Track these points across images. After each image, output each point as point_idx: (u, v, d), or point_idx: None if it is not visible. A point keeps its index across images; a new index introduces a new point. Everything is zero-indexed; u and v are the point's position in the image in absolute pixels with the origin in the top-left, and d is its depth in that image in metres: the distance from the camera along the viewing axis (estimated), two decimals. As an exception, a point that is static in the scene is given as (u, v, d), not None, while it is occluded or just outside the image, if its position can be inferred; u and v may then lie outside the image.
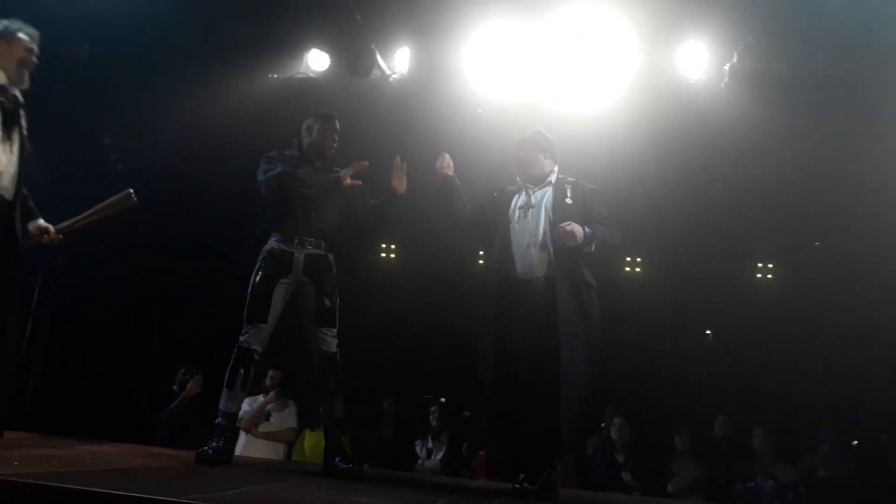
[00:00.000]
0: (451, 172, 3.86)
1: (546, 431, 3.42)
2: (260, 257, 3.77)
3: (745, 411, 6.53)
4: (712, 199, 7.06)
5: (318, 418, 6.26)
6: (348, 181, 3.70)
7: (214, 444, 3.53)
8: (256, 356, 3.66)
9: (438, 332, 7.30)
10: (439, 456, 6.49)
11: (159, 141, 6.50)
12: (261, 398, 6.11)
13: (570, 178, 3.82)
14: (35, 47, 3.37)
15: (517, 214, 3.72)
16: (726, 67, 6.14)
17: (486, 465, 6.20)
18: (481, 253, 5.61)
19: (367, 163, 3.69)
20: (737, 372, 7.06)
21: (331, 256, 3.84)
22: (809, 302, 7.03)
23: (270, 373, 6.12)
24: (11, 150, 3.27)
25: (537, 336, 3.49)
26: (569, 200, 3.66)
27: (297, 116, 4.08)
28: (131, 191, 3.87)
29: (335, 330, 3.78)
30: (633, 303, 7.60)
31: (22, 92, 3.37)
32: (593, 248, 3.57)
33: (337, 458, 3.64)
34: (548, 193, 3.73)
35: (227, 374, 3.64)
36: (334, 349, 3.75)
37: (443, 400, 7.18)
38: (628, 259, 8.30)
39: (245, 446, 5.91)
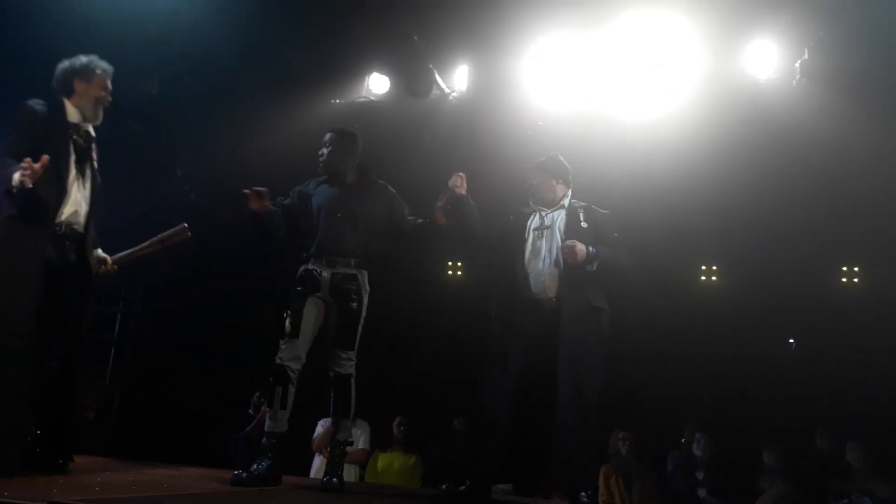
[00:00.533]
0: (463, 192, 3.84)
1: (540, 449, 3.62)
2: (297, 278, 3.83)
3: (837, 424, 6.19)
4: (789, 203, 6.78)
5: (390, 439, 6.31)
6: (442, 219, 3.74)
7: (256, 466, 3.56)
8: (291, 373, 3.67)
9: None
10: (511, 476, 6.40)
11: (229, 170, 6.68)
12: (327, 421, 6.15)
13: (582, 203, 3.93)
14: (109, 84, 3.47)
15: (532, 236, 3.82)
16: (797, 65, 5.90)
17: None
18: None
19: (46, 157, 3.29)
20: (824, 382, 6.70)
21: (361, 275, 3.84)
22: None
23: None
24: (84, 186, 3.38)
25: (544, 354, 3.59)
26: (584, 224, 3.79)
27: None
28: (185, 225, 3.99)
29: (353, 352, 3.79)
30: (709, 312, 7.37)
31: (94, 127, 3.48)
32: (595, 267, 3.65)
33: (325, 478, 3.72)
34: (561, 216, 3.84)
35: (267, 395, 3.73)
36: (348, 371, 3.77)
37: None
38: (703, 268, 8.04)
39: (318, 468, 5.94)
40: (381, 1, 6.06)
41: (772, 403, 6.82)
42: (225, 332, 7.01)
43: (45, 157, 3.06)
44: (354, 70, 6.90)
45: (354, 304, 3.79)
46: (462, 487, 3.68)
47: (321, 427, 6.04)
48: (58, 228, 3.25)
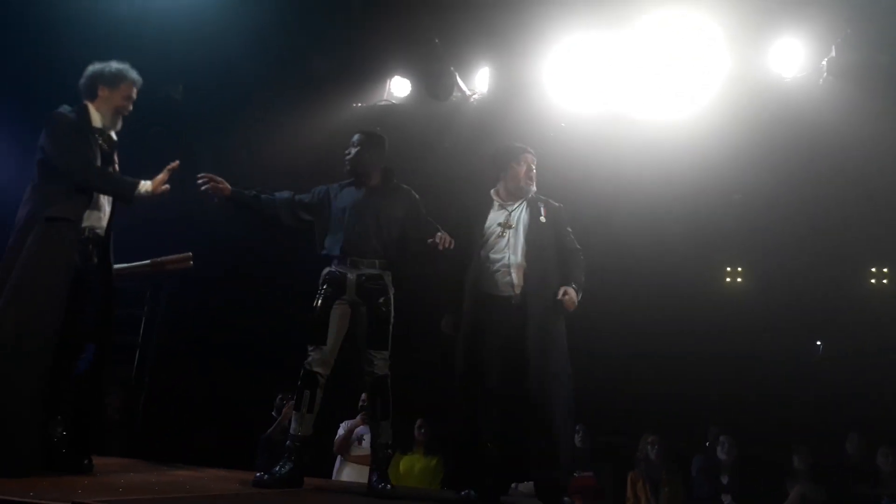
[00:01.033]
0: (443, 248, 3.75)
1: (513, 447, 3.49)
2: (321, 280, 3.82)
3: (867, 428, 6.08)
4: (816, 203, 6.69)
5: (410, 441, 6.30)
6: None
7: (278, 468, 3.58)
8: (321, 378, 3.68)
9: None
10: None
11: (251, 174, 6.72)
12: (348, 423, 6.16)
13: (542, 196, 3.90)
14: (134, 94, 3.50)
15: (496, 232, 3.79)
16: (824, 63, 5.81)
17: (582, 489, 6.04)
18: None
19: (177, 162, 3.47)
20: (853, 385, 6.58)
21: (387, 276, 3.83)
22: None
23: (363, 395, 6.17)
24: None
25: (512, 350, 3.59)
26: (542, 219, 3.80)
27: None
28: (191, 254, 4.03)
29: (386, 353, 3.77)
30: (735, 314, 7.29)
31: (116, 133, 3.52)
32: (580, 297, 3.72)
33: (375, 477, 3.69)
34: (523, 209, 3.83)
35: (295, 398, 3.71)
36: (384, 371, 3.75)
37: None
38: (728, 269, 7.96)
39: (338, 470, 5.96)
40: (402, 4, 6.08)
41: (799, 406, 6.73)
42: (249, 333, 7.06)
43: (176, 163, 3.32)
44: (376, 73, 6.92)
45: (383, 305, 3.78)
46: (464, 492, 3.63)
47: (343, 429, 6.05)
48: (82, 233, 3.30)
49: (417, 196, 4.00)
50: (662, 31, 5.95)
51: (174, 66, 5.87)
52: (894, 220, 6.59)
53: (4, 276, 3.13)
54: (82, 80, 3.44)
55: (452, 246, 3.70)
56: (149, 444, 5.92)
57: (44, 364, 3.07)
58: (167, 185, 3.37)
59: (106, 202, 3.42)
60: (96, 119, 3.41)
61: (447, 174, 6.44)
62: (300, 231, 4.01)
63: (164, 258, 4.07)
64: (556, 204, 3.93)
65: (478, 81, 6.76)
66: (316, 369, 3.68)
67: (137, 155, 3.68)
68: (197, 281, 6.26)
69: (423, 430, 6.27)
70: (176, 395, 6.89)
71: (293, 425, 3.70)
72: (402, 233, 3.89)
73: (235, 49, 5.95)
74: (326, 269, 3.82)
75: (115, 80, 3.43)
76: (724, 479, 5.72)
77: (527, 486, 4.23)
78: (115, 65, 3.46)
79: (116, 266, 3.71)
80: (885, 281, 7.43)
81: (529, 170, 3.88)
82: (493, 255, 3.76)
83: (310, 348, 3.72)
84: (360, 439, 6.21)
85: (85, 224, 3.30)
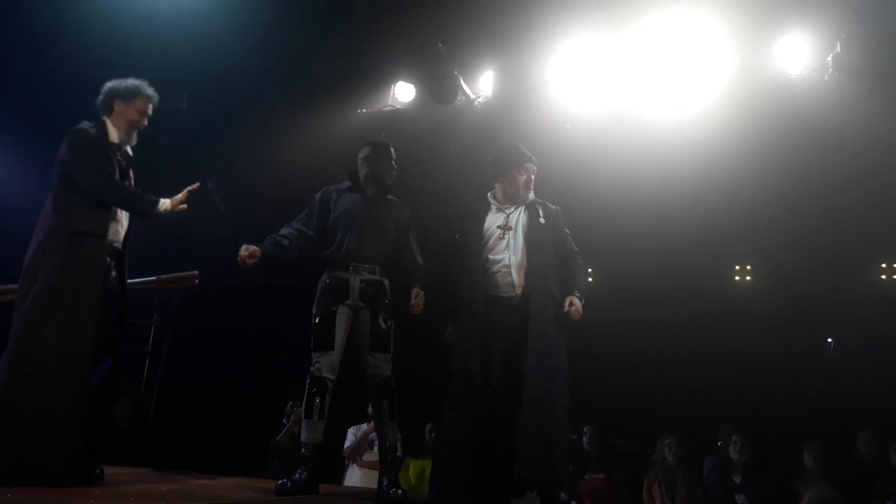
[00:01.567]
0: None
1: (512, 447, 3.47)
2: (319, 287, 3.84)
3: (880, 424, 6.03)
4: (824, 200, 6.66)
5: (421, 446, 6.30)
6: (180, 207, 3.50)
7: (297, 475, 3.59)
8: (329, 384, 3.69)
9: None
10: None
11: (258, 181, 6.76)
12: (365, 427, 6.17)
13: (539, 200, 3.94)
14: (150, 110, 3.55)
15: (495, 234, 3.83)
16: (829, 59, 5.78)
17: (591, 490, 6.03)
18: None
19: (198, 184, 3.53)
20: (864, 382, 6.54)
21: (386, 282, 3.88)
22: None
23: (373, 400, 6.18)
24: None
25: (512, 350, 3.61)
26: (542, 220, 3.84)
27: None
28: (196, 272, 4.05)
29: (389, 355, 3.80)
30: (744, 312, 7.27)
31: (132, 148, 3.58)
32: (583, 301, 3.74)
33: (385, 482, 3.68)
34: (522, 212, 3.87)
35: (303, 406, 3.71)
36: (388, 374, 3.78)
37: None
38: (737, 268, 7.94)
39: (350, 476, 5.97)
40: (406, 9, 6.08)
41: (810, 404, 6.70)
42: (258, 341, 7.08)
43: (196, 185, 3.40)
44: (380, 79, 6.94)
45: (386, 309, 3.83)
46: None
47: (352, 435, 6.06)
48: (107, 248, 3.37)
49: (409, 211, 4.07)
50: (666, 31, 5.94)
51: (178, 76, 5.90)
52: (902, 215, 6.56)
53: (27, 289, 3.19)
54: (100, 97, 3.50)
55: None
56: (159, 453, 5.93)
57: (84, 376, 3.18)
58: (185, 205, 3.42)
59: (124, 217, 3.48)
60: (113, 135, 3.47)
61: (453, 178, 6.45)
62: None
63: (169, 276, 4.08)
64: (553, 206, 3.97)
65: (482, 85, 6.77)
66: (325, 375, 3.69)
67: (145, 166, 3.70)
68: (206, 290, 6.28)
69: (433, 434, 6.27)
70: (186, 404, 6.91)
71: (305, 433, 3.70)
72: (398, 243, 3.95)
73: (239, 57, 5.97)
74: (326, 275, 3.83)
75: (130, 94, 3.48)
76: (737, 479, 5.68)
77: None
78: (131, 80, 3.52)
79: (135, 282, 3.80)
80: (894, 276, 7.38)
81: (529, 180, 3.90)
82: (492, 257, 3.79)
83: (316, 354, 3.72)
84: (372, 444, 6.23)
85: (108, 239, 3.37)
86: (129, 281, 3.76)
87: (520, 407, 3.48)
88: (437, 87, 6.43)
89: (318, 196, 3.97)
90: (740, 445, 5.82)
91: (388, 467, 3.73)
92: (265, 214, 6.78)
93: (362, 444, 6.15)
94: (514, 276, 3.73)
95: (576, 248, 3.93)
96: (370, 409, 6.19)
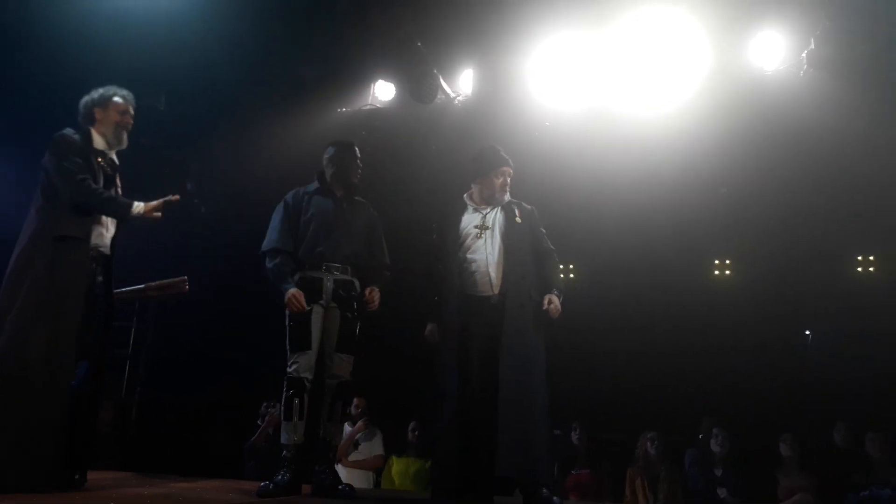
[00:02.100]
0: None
1: (489, 444, 3.48)
2: (296, 283, 3.81)
3: (856, 415, 6.12)
4: (801, 194, 6.74)
5: (404, 444, 6.32)
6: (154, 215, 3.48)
7: (279, 477, 3.60)
8: (307, 384, 3.71)
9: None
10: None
11: (238, 182, 6.72)
12: (347, 427, 6.17)
13: (514, 200, 3.98)
14: (130, 109, 3.61)
15: (472, 234, 3.86)
16: (804, 55, 5.84)
17: (578, 485, 6.07)
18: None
19: (177, 197, 3.52)
20: (843, 372, 6.64)
21: (357, 282, 3.91)
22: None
23: (355, 401, 6.18)
24: None
25: (490, 349, 3.62)
26: (518, 220, 3.88)
27: (366, 147, 4.16)
28: (186, 278, 4.05)
29: (352, 357, 3.84)
30: (725, 307, 7.34)
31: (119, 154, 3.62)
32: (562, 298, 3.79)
33: (330, 478, 3.76)
34: (498, 212, 3.91)
35: (282, 408, 3.71)
36: (347, 377, 3.83)
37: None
38: (717, 262, 8.01)
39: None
40: (385, 8, 6.07)
41: (791, 395, 6.78)
42: (238, 343, 7.04)
43: (176, 197, 3.40)
44: (360, 78, 6.92)
45: (356, 310, 3.87)
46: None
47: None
48: (89, 251, 3.37)
49: (376, 212, 4.10)
50: (644, 28, 5.98)
51: (156, 76, 5.85)
52: (878, 208, 6.66)
53: (12, 294, 3.20)
54: (80, 112, 3.57)
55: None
56: (141, 457, 5.89)
57: (67, 381, 3.21)
58: (160, 214, 3.42)
59: (110, 222, 3.50)
60: (98, 142, 3.53)
61: (434, 177, 6.45)
62: None
63: (158, 283, 4.07)
64: (529, 206, 4.01)
65: (462, 83, 6.77)
66: (303, 375, 3.69)
67: (124, 168, 3.69)
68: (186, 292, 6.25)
69: (416, 433, 6.29)
70: (167, 407, 6.87)
71: (285, 435, 3.69)
72: (367, 243, 3.98)
73: (218, 56, 5.92)
74: (299, 275, 3.82)
75: (105, 99, 3.56)
76: (718, 472, 5.74)
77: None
78: (101, 89, 3.59)
79: (120, 291, 3.81)
80: (871, 269, 7.49)
81: (505, 183, 3.94)
82: (470, 256, 3.82)
83: (293, 354, 3.72)
84: (356, 444, 6.25)
85: (92, 243, 3.39)
86: (119, 290, 3.78)
87: (498, 406, 3.49)
88: (417, 85, 6.42)
89: (288, 200, 3.96)
90: (721, 438, 5.88)
91: (329, 462, 3.81)
92: (246, 215, 6.79)
93: (347, 445, 6.16)
94: (492, 275, 3.76)
95: (552, 247, 3.98)
96: (352, 409, 6.24)
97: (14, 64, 5.67)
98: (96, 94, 3.57)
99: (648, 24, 5.97)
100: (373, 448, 6.26)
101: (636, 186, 6.60)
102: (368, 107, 7.05)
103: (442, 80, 6.60)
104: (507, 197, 3.95)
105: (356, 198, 4.05)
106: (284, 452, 3.68)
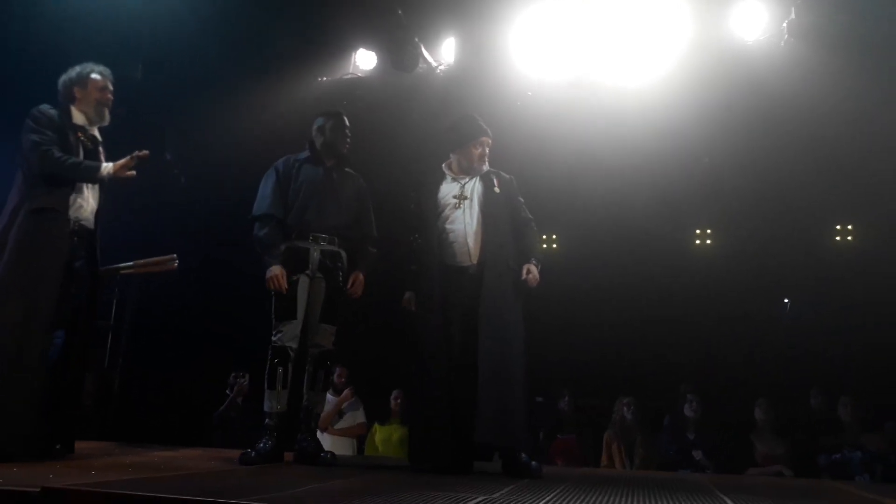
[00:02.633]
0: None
1: (469, 411, 3.50)
2: (282, 253, 3.82)
3: (830, 380, 6.25)
4: (781, 163, 6.77)
5: (387, 413, 6.40)
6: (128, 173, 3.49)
7: (262, 445, 3.64)
8: (291, 353, 3.74)
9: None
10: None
11: (217, 153, 6.67)
12: (330, 396, 6.21)
13: (493, 169, 3.97)
14: (109, 84, 3.63)
15: (451, 203, 3.85)
16: (784, 25, 5.86)
17: (563, 451, 6.16)
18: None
19: (147, 152, 3.51)
20: (819, 339, 6.75)
21: (343, 254, 3.94)
22: (892, 260, 6.63)
23: (337, 370, 6.22)
24: (93, 186, 3.52)
25: (469, 319, 3.63)
26: (496, 190, 3.87)
27: (348, 116, 4.13)
28: (175, 256, 4.05)
29: (335, 328, 3.89)
30: (706, 276, 7.40)
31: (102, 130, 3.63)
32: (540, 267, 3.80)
33: (312, 445, 3.82)
34: (476, 182, 3.89)
35: (266, 376, 3.74)
36: (330, 346, 3.88)
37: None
38: (698, 231, 8.07)
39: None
40: (364, -25, 6.00)
41: (769, 362, 6.89)
42: (219, 314, 7.04)
43: (145, 152, 3.41)
44: (340, 47, 6.86)
45: (341, 281, 3.91)
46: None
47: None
48: (69, 224, 3.39)
49: (365, 183, 4.12)
50: (625, -2, 5.96)
51: (132, 45, 5.77)
52: (856, 178, 6.72)
53: None
54: (59, 91, 3.59)
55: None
56: (124, 427, 5.92)
57: (43, 352, 3.25)
58: (133, 172, 3.44)
59: (92, 197, 3.50)
60: (78, 118, 3.55)
61: (416, 147, 6.43)
62: None
63: (147, 260, 4.06)
64: (507, 176, 4.00)
65: (444, 52, 6.73)
66: (287, 344, 3.73)
67: (103, 137, 3.68)
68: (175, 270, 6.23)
69: (399, 401, 6.36)
70: (150, 377, 6.88)
71: (269, 403, 3.72)
72: (355, 215, 4.00)
73: (195, 24, 5.85)
74: (286, 245, 3.83)
75: (83, 77, 3.58)
76: (691, 436, 5.85)
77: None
78: (77, 67, 3.61)
79: (105, 268, 3.80)
80: (849, 238, 7.57)
81: (483, 153, 3.92)
82: (448, 227, 3.82)
83: (278, 324, 3.74)
84: (341, 413, 6.32)
85: (72, 216, 3.40)
86: (107, 268, 3.79)
87: (478, 374, 3.53)
88: (398, 54, 6.39)
89: (279, 167, 3.95)
90: (695, 404, 5.97)
91: (311, 433, 3.87)
92: (226, 185, 6.75)
93: (332, 414, 6.23)
94: (470, 245, 3.77)
95: (530, 216, 3.98)
96: (335, 378, 6.28)
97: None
98: (73, 72, 3.58)
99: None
100: (356, 416, 6.35)
101: (618, 156, 6.61)
102: (349, 76, 7.01)
103: (423, 49, 6.57)
104: (486, 167, 3.94)
105: (346, 169, 4.05)
106: (267, 420, 3.72)
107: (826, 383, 6.18)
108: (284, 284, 3.71)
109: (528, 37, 6.37)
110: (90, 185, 3.48)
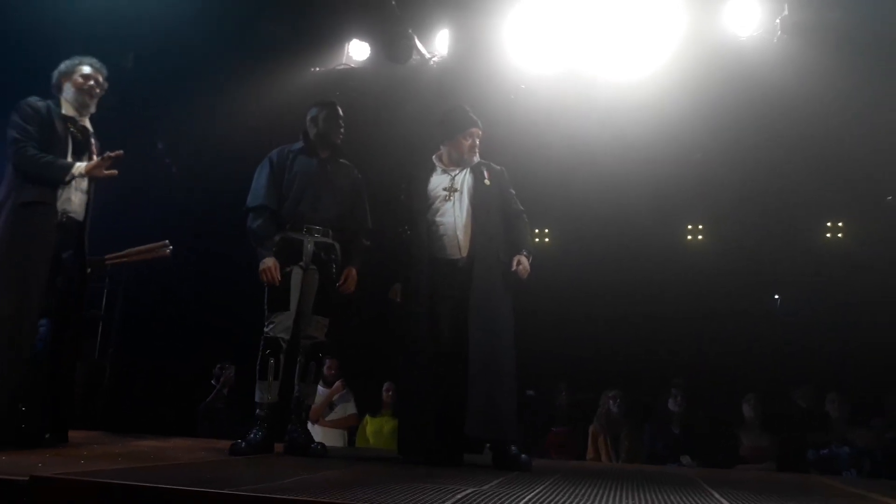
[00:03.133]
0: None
1: (459, 404, 3.52)
2: (276, 244, 3.81)
3: (819, 376, 6.29)
4: (773, 160, 6.80)
5: (379, 404, 6.41)
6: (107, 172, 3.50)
7: (252, 435, 3.64)
8: (283, 344, 3.74)
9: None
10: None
11: (209, 142, 6.64)
12: (321, 388, 6.21)
13: (483, 161, 3.95)
14: (98, 75, 3.64)
15: (441, 196, 3.83)
16: (778, 21, 5.87)
17: (557, 444, 6.19)
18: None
19: (121, 152, 3.52)
20: (808, 336, 6.79)
21: (337, 246, 3.94)
22: (882, 258, 6.68)
23: (328, 362, 6.22)
24: (82, 178, 3.50)
25: (459, 312, 3.63)
26: (487, 182, 3.86)
27: (341, 107, 4.11)
28: (167, 242, 4.03)
29: (328, 320, 3.90)
30: (697, 271, 7.42)
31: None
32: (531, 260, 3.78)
33: (303, 437, 3.83)
34: (467, 174, 3.87)
35: (258, 367, 3.74)
36: (322, 338, 3.89)
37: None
38: (689, 227, 8.09)
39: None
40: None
41: (760, 358, 6.92)
42: (211, 305, 7.02)
43: (120, 152, 3.42)
44: (334, 37, 6.83)
45: (335, 273, 3.91)
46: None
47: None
48: (57, 216, 3.41)
49: (360, 175, 4.11)
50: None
51: (123, 35, 5.73)
52: (848, 175, 6.74)
53: None
54: (52, 82, 3.62)
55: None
56: (115, 417, 5.90)
57: (30, 343, 3.27)
58: (113, 171, 3.46)
59: (81, 188, 3.50)
60: (68, 109, 3.57)
61: (408, 138, 6.42)
62: None
63: (139, 248, 4.05)
64: (498, 167, 3.99)
65: (437, 44, 6.71)
66: (280, 335, 3.73)
67: (94, 126, 3.67)
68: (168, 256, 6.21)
69: (390, 393, 6.36)
70: (141, 367, 6.87)
71: (260, 394, 3.73)
72: (350, 206, 3.99)
73: (186, 13, 5.80)
74: (279, 235, 3.82)
75: (71, 68, 3.61)
76: (676, 430, 5.89)
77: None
78: (67, 60, 3.64)
79: (93, 258, 3.82)
80: (839, 235, 7.61)
81: (474, 144, 3.91)
82: (438, 219, 3.81)
83: (271, 315, 3.74)
84: (332, 405, 6.33)
85: (60, 208, 3.41)
86: (99, 257, 3.78)
87: (467, 366, 3.53)
88: (392, 45, 6.36)
89: (273, 157, 3.94)
90: (680, 398, 6.01)
91: (302, 424, 3.87)
92: (218, 175, 6.72)
93: (324, 406, 6.24)
94: (460, 238, 3.75)
95: (521, 208, 3.97)
96: (325, 370, 6.28)
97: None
98: (63, 64, 3.63)
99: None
100: (347, 408, 6.37)
101: (611, 150, 6.62)
102: (342, 66, 6.98)
103: (417, 41, 6.54)
104: (477, 158, 3.93)
105: (341, 160, 4.04)
106: (258, 411, 3.72)
107: (815, 379, 6.22)
108: (277, 277, 3.71)
109: (522, 30, 6.36)
110: (79, 178, 3.48)
